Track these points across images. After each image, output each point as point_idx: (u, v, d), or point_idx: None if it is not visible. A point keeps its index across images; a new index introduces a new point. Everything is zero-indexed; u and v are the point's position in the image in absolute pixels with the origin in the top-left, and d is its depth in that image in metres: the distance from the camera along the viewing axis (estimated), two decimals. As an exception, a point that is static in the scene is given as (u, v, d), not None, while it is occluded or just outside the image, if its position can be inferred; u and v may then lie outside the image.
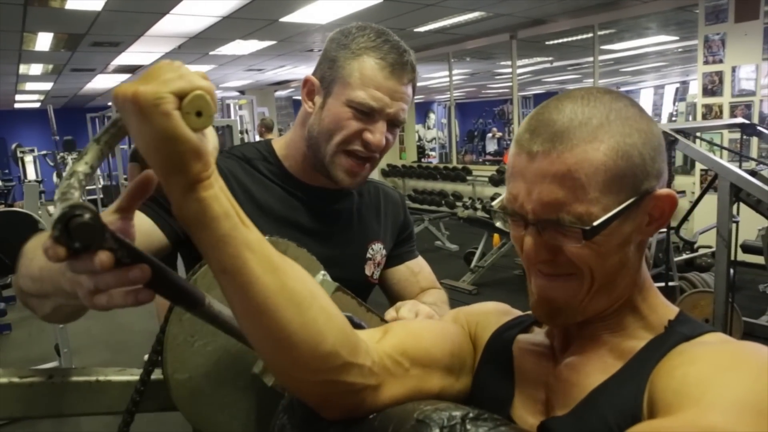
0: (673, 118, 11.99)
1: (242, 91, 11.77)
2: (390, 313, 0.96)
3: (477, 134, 16.78)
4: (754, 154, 4.85)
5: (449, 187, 8.89)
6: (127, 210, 0.53)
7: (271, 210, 1.04)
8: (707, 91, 5.16)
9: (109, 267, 0.44)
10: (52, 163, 9.84)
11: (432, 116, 18.07)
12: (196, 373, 0.82)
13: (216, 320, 0.59)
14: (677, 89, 13.13)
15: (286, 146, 1.09)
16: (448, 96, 10.05)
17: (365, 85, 0.96)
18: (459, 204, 8.24)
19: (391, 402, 0.63)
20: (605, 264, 0.58)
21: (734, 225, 2.54)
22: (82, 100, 13.04)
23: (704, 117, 5.16)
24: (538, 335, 0.71)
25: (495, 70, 11.12)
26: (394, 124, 1.01)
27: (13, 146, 11.79)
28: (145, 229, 0.90)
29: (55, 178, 10.27)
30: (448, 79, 9.39)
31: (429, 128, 17.93)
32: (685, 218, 3.23)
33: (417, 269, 1.22)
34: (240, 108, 9.50)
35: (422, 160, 12.95)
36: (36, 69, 8.19)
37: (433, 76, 11.01)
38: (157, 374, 0.81)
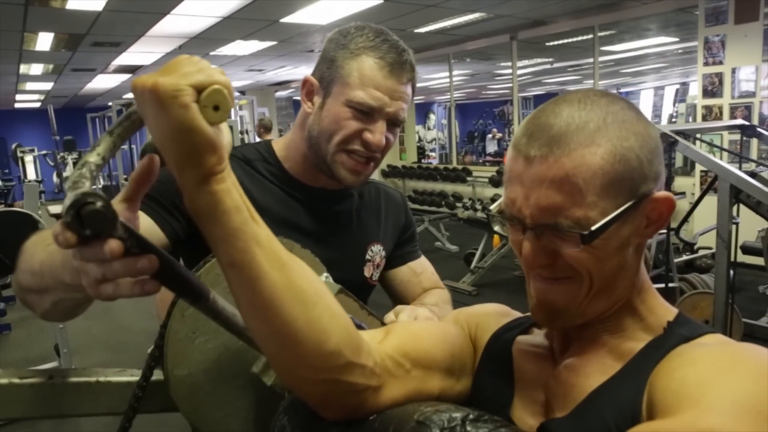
0: (673, 120, 11.98)
1: (243, 92, 11.78)
2: (389, 318, 0.96)
3: (477, 135, 16.78)
4: (754, 155, 4.85)
5: (449, 187, 8.89)
6: (133, 199, 0.53)
7: (270, 211, 1.04)
8: (707, 93, 5.16)
9: (119, 255, 0.44)
10: (52, 163, 9.85)
11: (432, 117, 18.08)
12: (195, 369, 0.82)
13: (219, 316, 0.59)
14: (677, 90, 13.13)
15: (285, 147, 1.09)
16: (449, 97, 10.06)
17: (364, 85, 0.96)
18: (459, 205, 8.24)
19: (392, 403, 0.63)
20: (604, 267, 0.58)
21: (734, 226, 2.55)
22: (82, 100, 13.04)
23: (704, 118, 5.16)
24: (537, 337, 0.71)
25: (495, 71, 11.12)
26: (394, 123, 1.00)
27: (13, 146, 11.80)
28: (145, 227, 0.90)
29: (55, 178, 10.29)
30: (448, 79, 9.39)
31: (429, 129, 17.93)
32: (685, 219, 3.23)
33: (419, 270, 1.22)
34: (240, 108, 9.51)
35: (422, 160, 12.95)
36: (36, 69, 8.20)
37: (434, 77, 11.01)
38: (157, 375, 0.81)
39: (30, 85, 10.06)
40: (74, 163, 9.28)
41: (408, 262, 1.21)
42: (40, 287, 0.66)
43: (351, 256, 1.11)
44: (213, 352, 0.83)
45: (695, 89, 6.67)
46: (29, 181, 9.72)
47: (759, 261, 3.66)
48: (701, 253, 4.72)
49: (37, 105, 13.32)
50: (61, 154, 9.09)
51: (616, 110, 0.58)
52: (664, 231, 3.31)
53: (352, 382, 0.59)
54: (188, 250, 0.96)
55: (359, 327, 0.71)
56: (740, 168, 2.87)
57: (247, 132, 8.52)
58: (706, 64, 5.13)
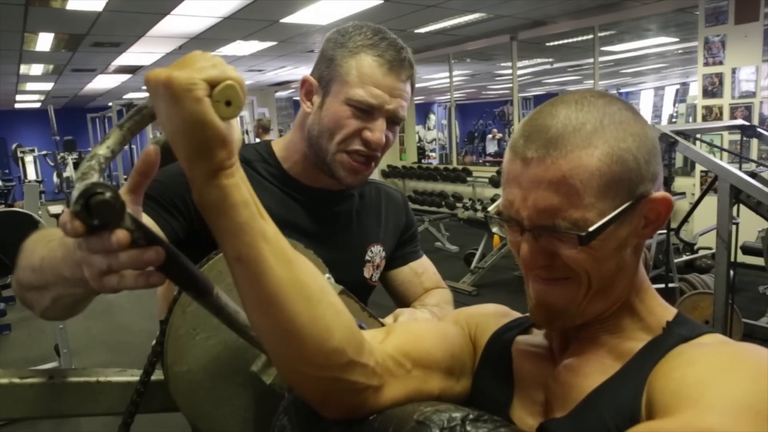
0: (673, 120, 11.99)
1: (243, 92, 11.75)
2: (388, 322, 0.96)
3: (477, 135, 16.78)
4: (754, 155, 4.85)
5: (449, 188, 8.89)
6: (137, 192, 0.54)
7: (269, 212, 1.03)
8: (707, 93, 5.16)
9: (126, 246, 0.45)
10: (52, 164, 9.85)
11: (432, 117, 18.08)
12: (195, 366, 0.82)
13: (221, 312, 0.59)
14: (677, 91, 13.14)
15: (285, 147, 1.09)
16: (449, 97, 10.06)
17: (364, 83, 0.96)
18: (459, 205, 8.24)
19: (392, 403, 0.63)
20: (602, 268, 0.58)
21: (734, 226, 2.54)
22: (82, 101, 13.04)
23: (704, 118, 5.16)
24: (536, 337, 0.72)
25: (495, 72, 11.12)
26: (393, 121, 1.00)
27: (14, 146, 11.80)
28: None
29: (55, 179, 10.28)
30: (448, 80, 9.39)
31: (429, 129, 17.94)
32: (685, 220, 3.23)
33: (420, 270, 1.22)
34: (240, 108, 9.49)
35: (422, 161, 12.95)
36: (37, 69, 8.20)
37: (434, 77, 11.01)
38: (157, 375, 0.81)
39: (30, 86, 10.06)
40: (74, 164, 9.29)
41: (409, 263, 1.21)
42: (41, 283, 0.66)
43: (351, 257, 1.11)
44: (213, 349, 0.83)
45: (695, 89, 6.67)
46: (29, 182, 9.72)
47: (759, 261, 3.66)
48: (701, 253, 4.72)
49: (38, 105, 13.33)
50: (62, 154, 9.09)
51: (613, 111, 0.58)
52: (664, 231, 3.31)
53: (353, 380, 0.59)
54: (188, 250, 0.96)
55: (360, 328, 0.71)
56: (740, 168, 2.87)
57: (247, 132, 8.53)
58: (706, 64, 5.13)
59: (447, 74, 9.32)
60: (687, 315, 0.64)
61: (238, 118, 0.54)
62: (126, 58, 7.60)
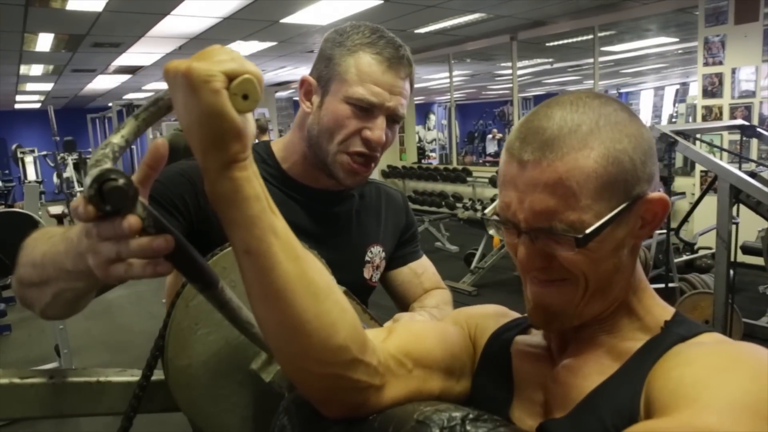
0: (673, 120, 11.99)
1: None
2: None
3: (477, 135, 16.78)
4: (753, 155, 4.86)
5: (449, 188, 8.89)
6: (145, 183, 0.54)
7: None
8: (707, 93, 5.16)
9: (137, 232, 0.45)
10: (52, 164, 9.83)
11: (432, 117, 18.08)
12: (195, 361, 0.82)
13: (225, 306, 0.59)
14: (677, 91, 13.15)
15: (284, 148, 1.08)
16: (449, 97, 10.05)
17: (363, 81, 0.95)
18: (459, 205, 8.24)
19: (393, 403, 0.63)
20: (599, 269, 0.58)
21: (734, 226, 2.55)
22: (82, 101, 13.04)
23: (704, 118, 5.17)
24: (535, 337, 0.72)
25: (495, 72, 11.12)
26: (393, 119, 0.99)
27: (14, 147, 11.79)
28: None
29: (55, 179, 10.27)
30: (448, 80, 9.39)
31: (429, 129, 17.94)
32: (684, 220, 3.23)
33: (420, 270, 1.21)
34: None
35: (422, 161, 12.95)
36: (36, 69, 8.20)
37: (434, 78, 11.00)
38: (157, 375, 0.81)
39: (30, 86, 10.06)
40: (74, 164, 9.27)
41: (409, 263, 1.21)
42: (41, 279, 0.66)
43: (350, 258, 1.11)
44: (214, 344, 0.83)
45: (695, 89, 6.67)
46: (29, 182, 9.73)
47: (759, 261, 3.66)
48: (701, 253, 4.72)
49: (37, 106, 13.33)
50: (62, 154, 9.07)
51: (608, 112, 0.58)
52: (664, 231, 3.31)
53: (356, 378, 0.59)
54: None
55: (361, 328, 0.72)
56: (740, 168, 2.87)
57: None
58: (706, 64, 5.13)
59: (447, 74, 9.32)
60: (687, 315, 0.64)
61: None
62: (126, 59, 7.60)
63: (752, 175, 2.65)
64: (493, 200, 6.94)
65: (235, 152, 0.49)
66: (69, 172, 8.44)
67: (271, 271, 0.53)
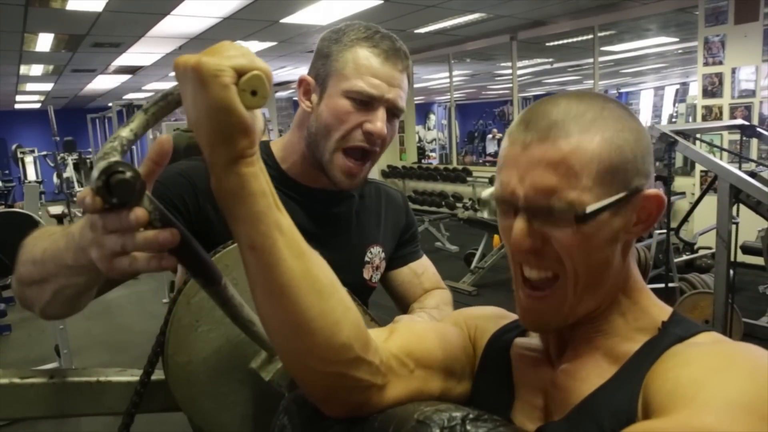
0: (673, 120, 11.99)
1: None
2: None
3: (477, 135, 16.78)
4: (753, 155, 4.86)
5: (449, 188, 8.89)
6: (149, 178, 0.54)
7: None
8: (707, 93, 5.16)
9: (144, 224, 0.46)
10: (52, 164, 9.83)
11: (432, 117, 18.08)
12: (195, 358, 0.82)
13: (227, 303, 0.59)
14: (677, 91, 13.15)
15: (283, 148, 1.08)
16: (449, 97, 10.05)
17: (361, 74, 0.95)
18: (459, 205, 8.23)
19: (394, 402, 0.63)
20: (590, 260, 0.58)
21: (734, 226, 2.55)
22: (82, 101, 13.04)
23: (704, 118, 5.17)
24: (534, 339, 0.72)
25: (495, 72, 11.12)
26: (393, 113, 0.99)
27: (14, 147, 11.80)
28: None
29: (55, 179, 10.27)
30: (448, 80, 9.39)
31: (429, 129, 17.93)
32: (684, 219, 3.23)
33: (420, 270, 1.21)
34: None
35: (422, 161, 12.94)
36: (36, 70, 8.20)
37: (434, 77, 11.00)
38: (157, 375, 0.81)
39: (30, 86, 10.06)
40: (74, 164, 9.28)
41: (409, 263, 1.21)
42: (42, 276, 0.66)
43: (350, 258, 1.11)
44: (214, 342, 0.83)
45: (695, 89, 6.67)
46: (29, 182, 9.74)
47: (759, 261, 3.66)
48: (701, 253, 4.72)
49: (37, 106, 13.33)
50: (62, 154, 9.07)
51: (611, 107, 0.60)
52: (664, 231, 3.31)
53: (358, 377, 0.59)
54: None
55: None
56: (740, 168, 2.87)
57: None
58: (706, 64, 5.13)
59: (447, 74, 9.32)
60: (687, 315, 0.64)
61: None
62: (126, 59, 7.60)
63: (752, 174, 2.65)
64: (493, 200, 6.93)
65: (243, 148, 0.49)
66: (69, 172, 8.45)
67: (275, 267, 0.53)
